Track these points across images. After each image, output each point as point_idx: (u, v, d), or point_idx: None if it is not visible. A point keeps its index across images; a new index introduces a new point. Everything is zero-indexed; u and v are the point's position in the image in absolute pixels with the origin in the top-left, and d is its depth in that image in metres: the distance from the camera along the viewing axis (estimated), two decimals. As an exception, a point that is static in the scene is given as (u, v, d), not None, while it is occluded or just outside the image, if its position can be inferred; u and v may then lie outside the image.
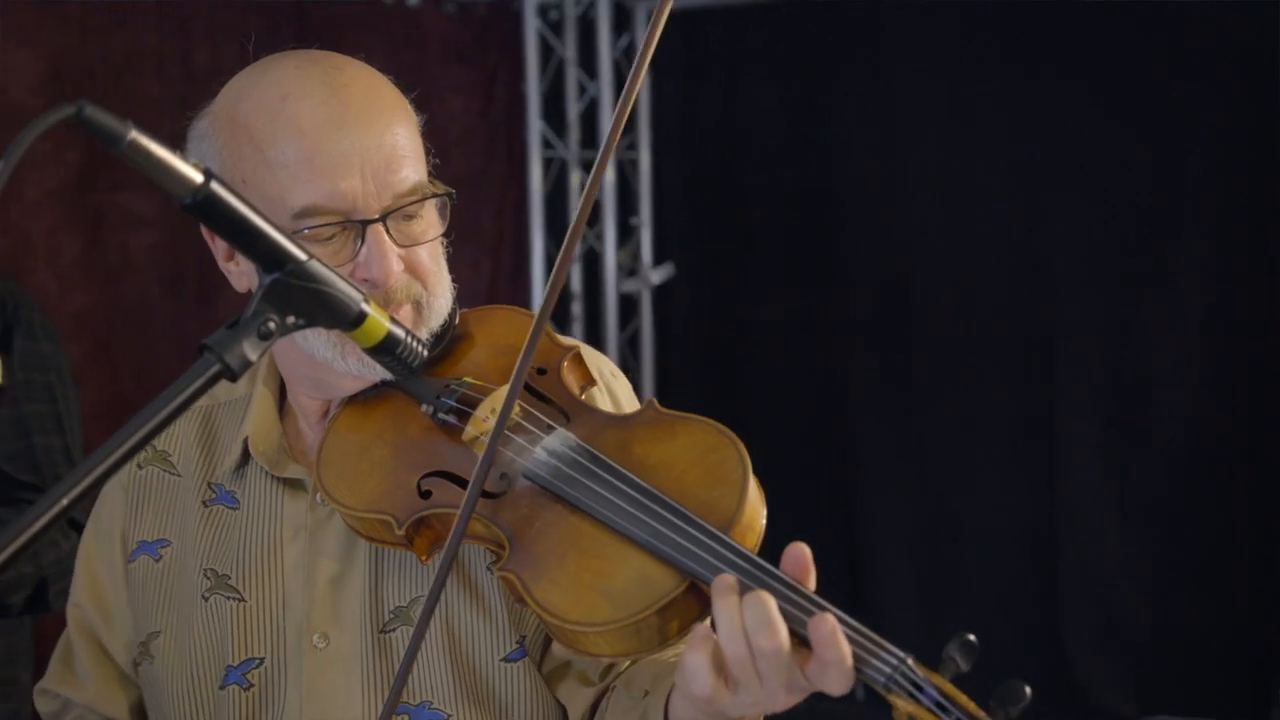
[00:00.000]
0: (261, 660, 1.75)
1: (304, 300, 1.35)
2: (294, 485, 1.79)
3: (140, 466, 1.88)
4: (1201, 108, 5.19)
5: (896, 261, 5.72)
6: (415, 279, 1.70)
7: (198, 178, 1.26)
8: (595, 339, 5.84)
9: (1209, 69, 5.16)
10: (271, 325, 1.33)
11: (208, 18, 5.03)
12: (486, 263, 5.90)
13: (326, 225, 1.64)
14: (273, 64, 1.72)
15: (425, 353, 1.49)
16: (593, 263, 5.89)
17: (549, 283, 1.52)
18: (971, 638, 1.43)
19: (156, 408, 1.29)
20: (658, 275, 5.86)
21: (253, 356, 1.31)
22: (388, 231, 1.66)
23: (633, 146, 5.92)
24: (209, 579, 1.79)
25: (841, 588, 5.78)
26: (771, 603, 1.40)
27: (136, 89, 4.88)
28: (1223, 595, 5.18)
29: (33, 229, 4.73)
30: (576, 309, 5.83)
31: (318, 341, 1.68)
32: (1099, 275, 5.43)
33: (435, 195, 1.72)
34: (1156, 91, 5.27)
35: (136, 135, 1.21)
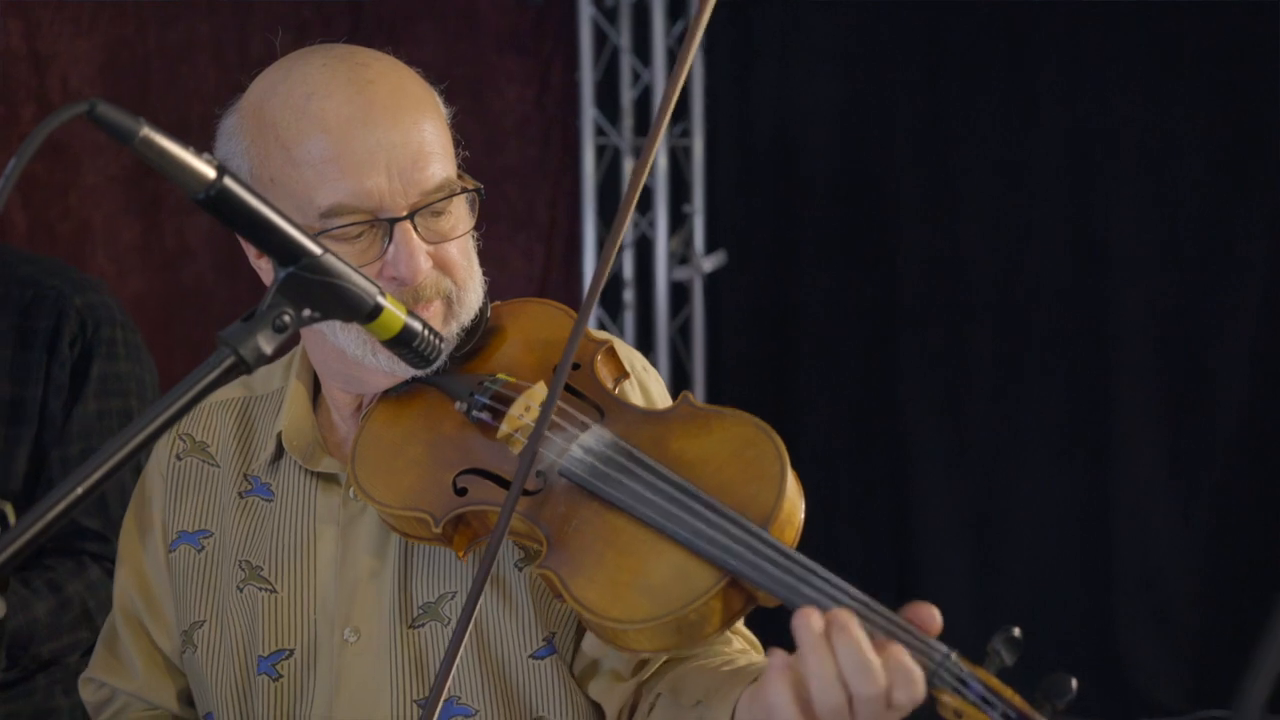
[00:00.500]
0: (291, 652, 1.76)
1: (319, 294, 1.36)
2: (327, 479, 1.80)
3: (179, 457, 1.90)
4: (1260, 89, 5.12)
5: (949, 249, 5.68)
6: (445, 275, 1.70)
7: (211, 173, 1.28)
8: (646, 327, 5.84)
9: (1269, 51, 5.08)
10: (287, 319, 1.34)
11: (264, 7, 5.09)
12: (540, 251, 5.91)
13: (353, 224, 1.64)
14: (299, 60, 1.71)
15: (443, 345, 1.50)
16: (644, 250, 5.89)
17: (592, 280, 1.52)
18: (1016, 632, 1.42)
19: (171, 399, 1.30)
20: (710, 263, 5.85)
21: (268, 350, 1.32)
22: (415, 229, 1.66)
23: (686, 134, 5.91)
24: (243, 570, 1.81)
25: (890, 574, 5.76)
26: (867, 646, 1.38)
27: (192, 78, 4.94)
28: (1275, 586, 5.11)
29: (92, 215, 4.81)
30: (628, 296, 5.83)
31: (348, 338, 1.69)
32: (1156, 259, 5.37)
33: (463, 191, 1.71)
34: (1213, 72, 5.20)
35: (149, 131, 1.22)
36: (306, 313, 1.36)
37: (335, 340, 1.70)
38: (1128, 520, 5.36)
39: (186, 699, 1.89)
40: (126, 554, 1.92)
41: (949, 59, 5.60)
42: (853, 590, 1.45)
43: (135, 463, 2.56)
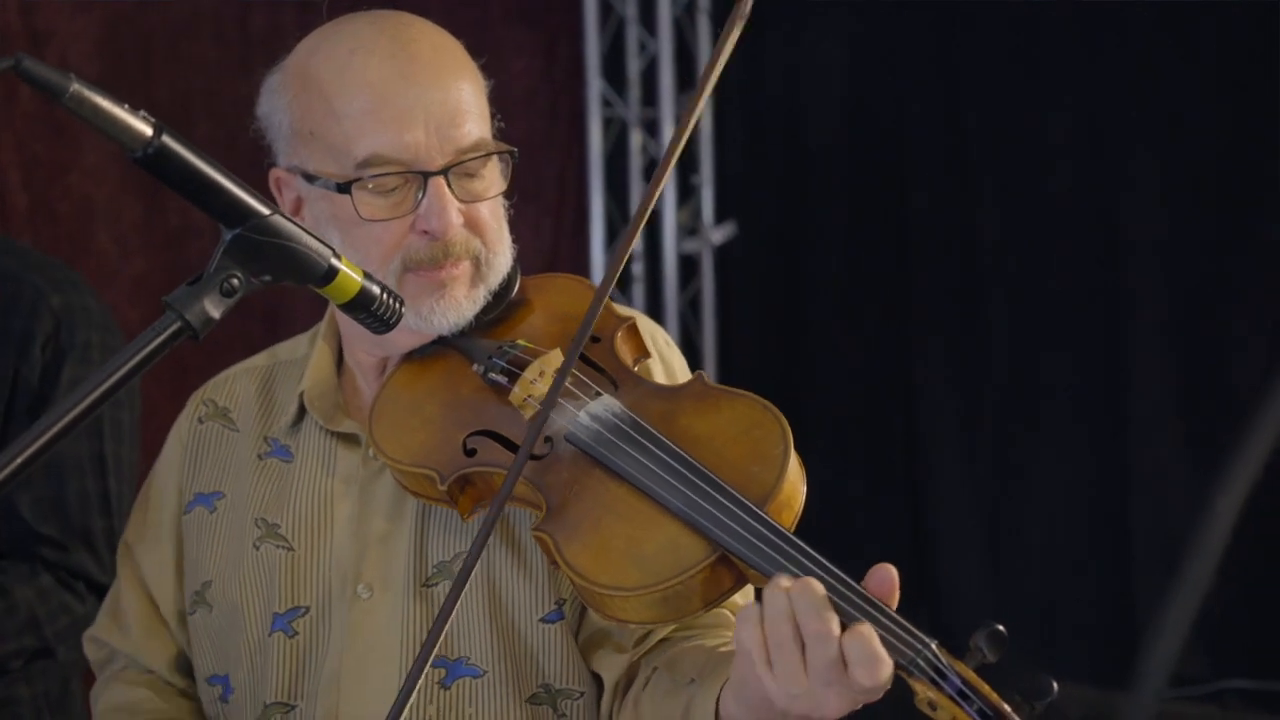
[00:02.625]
0: (307, 609, 1.78)
1: (270, 256, 1.33)
2: (348, 440, 1.83)
3: (201, 421, 1.93)
4: None
5: (963, 221, 5.62)
6: (475, 235, 1.74)
7: (148, 130, 1.24)
8: (655, 300, 5.80)
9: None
10: (235, 282, 1.32)
11: (265, -19, 5.04)
12: (549, 223, 5.87)
13: (389, 175, 1.68)
14: (346, 21, 1.78)
15: (402, 310, 1.46)
16: (653, 223, 5.84)
17: (614, 253, 1.52)
18: (1000, 628, 1.41)
19: (114, 366, 1.27)
20: (719, 235, 5.80)
21: (215, 314, 1.31)
22: (449, 185, 1.69)
23: (694, 104, 5.85)
24: (259, 528, 1.82)
25: (905, 554, 5.71)
26: (820, 589, 1.41)
27: (194, 54, 4.90)
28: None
29: (94, 194, 4.77)
30: (637, 270, 5.78)
31: None
32: (1175, 239, 5.29)
33: (498, 152, 1.75)
34: (1231, 43, 5.12)
35: (79, 87, 1.19)
36: (257, 276, 1.33)
37: None
38: (1145, 496, 5.30)
39: (179, 666, 1.90)
40: (138, 517, 1.94)
41: (961, 26, 5.52)
42: (840, 574, 1.45)
43: (100, 473, 2.47)
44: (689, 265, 5.89)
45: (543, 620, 1.73)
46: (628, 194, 5.80)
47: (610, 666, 1.73)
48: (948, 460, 5.66)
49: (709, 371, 5.84)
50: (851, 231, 5.82)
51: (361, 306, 1.42)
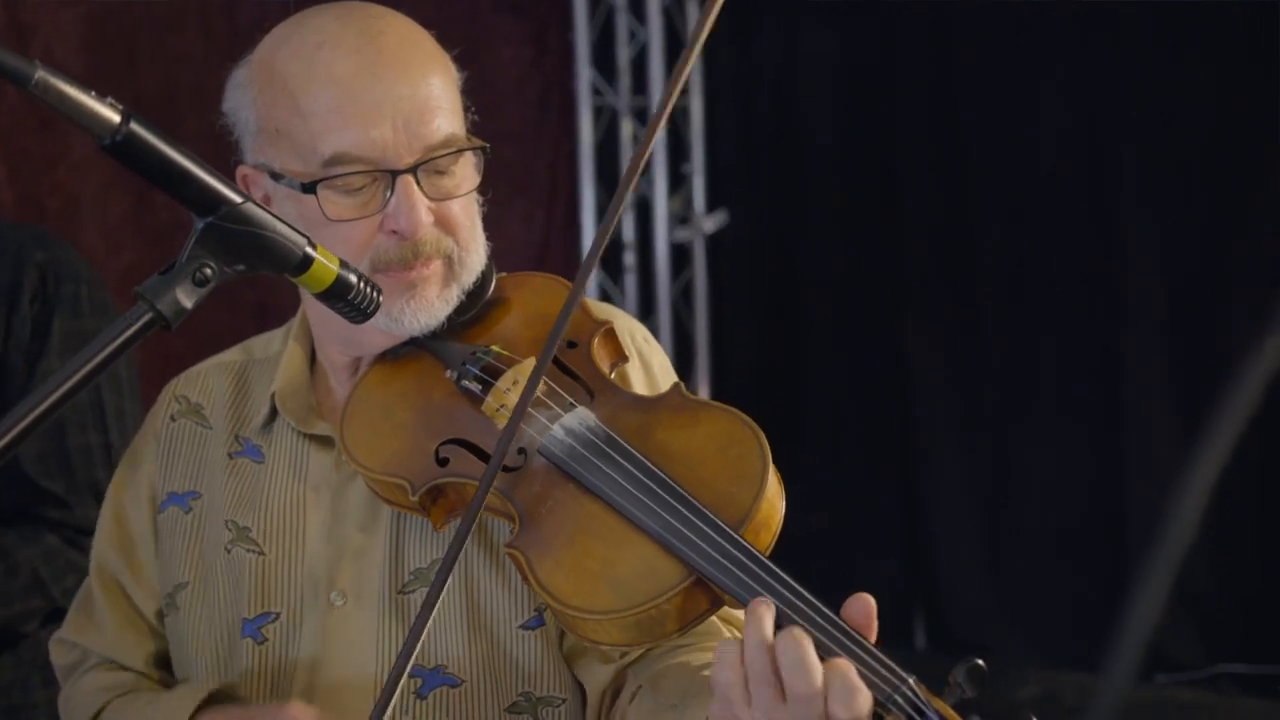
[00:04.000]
0: (277, 615, 1.74)
1: (243, 245, 1.31)
2: (320, 442, 1.78)
3: (174, 418, 1.88)
4: (1275, 52, 5.02)
5: (956, 208, 5.60)
6: (446, 234, 1.68)
7: (115, 117, 1.22)
8: (647, 289, 5.78)
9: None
10: (209, 271, 1.29)
11: (252, -28, 5.01)
12: (540, 214, 5.85)
13: (356, 174, 1.63)
14: (312, 13, 1.73)
15: (380, 299, 1.44)
16: (644, 211, 5.82)
17: (585, 256, 1.49)
18: (979, 663, 1.37)
19: (87, 357, 1.25)
20: (711, 223, 5.78)
21: (188, 304, 1.28)
22: (418, 183, 1.65)
23: (684, 92, 5.83)
24: (230, 530, 1.78)
25: (900, 542, 5.71)
26: (808, 644, 1.37)
27: (180, 46, 4.87)
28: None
29: (82, 189, 4.75)
30: (629, 259, 5.77)
31: None
32: (1167, 221, 5.28)
33: (469, 148, 1.70)
34: (1226, 35, 5.11)
35: (44, 74, 1.17)
36: (230, 265, 1.31)
37: None
38: (1141, 483, 5.29)
39: (157, 662, 1.87)
40: (109, 515, 1.90)
41: (954, 16, 5.50)
42: (817, 604, 1.42)
43: (101, 426, 2.50)
44: (681, 254, 5.87)
45: (522, 627, 1.70)
46: (618, 183, 5.77)
47: (595, 676, 1.70)
48: (943, 450, 5.65)
49: (701, 361, 5.84)
50: (844, 220, 5.80)
51: (338, 295, 1.40)
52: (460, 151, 1.69)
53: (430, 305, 1.69)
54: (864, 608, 1.41)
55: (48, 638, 2.43)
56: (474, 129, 1.75)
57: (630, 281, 5.77)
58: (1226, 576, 5.18)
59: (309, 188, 1.65)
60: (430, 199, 1.66)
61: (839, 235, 5.80)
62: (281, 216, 1.67)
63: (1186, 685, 5.14)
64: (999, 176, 5.52)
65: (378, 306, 1.43)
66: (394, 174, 1.64)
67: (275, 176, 1.69)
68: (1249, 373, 0.69)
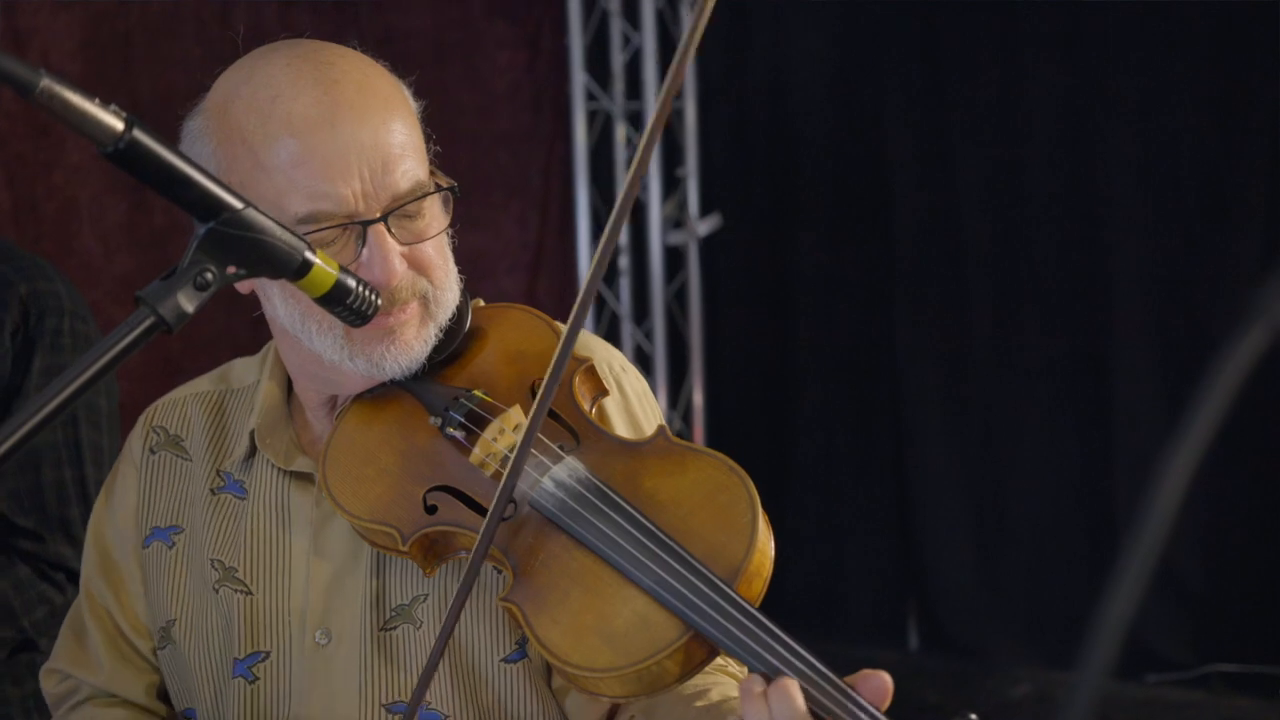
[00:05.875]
0: (267, 654, 1.74)
1: (243, 250, 1.33)
2: (301, 478, 1.78)
3: (153, 451, 1.87)
4: (1259, 46, 5.05)
5: (947, 211, 5.62)
6: (421, 275, 1.68)
7: (119, 125, 1.23)
8: (641, 292, 5.79)
9: (1268, 10, 5.00)
10: (210, 276, 1.31)
11: (246, -23, 5.03)
12: (535, 217, 5.86)
13: (327, 229, 1.62)
14: (261, 61, 1.68)
15: (379, 301, 1.45)
16: (638, 215, 5.84)
17: (579, 299, 1.49)
18: (974, 717, 1.39)
19: (88, 361, 1.27)
20: (705, 226, 5.79)
21: (189, 308, 1.29)
22: (389, 231, 1.64)
23: (678, 96, 5.85)
24: (217, 570, 1.78)
25: (893, 542, 5.72)
26: (799, 696, 1.40)
27: (175, 51, 4.89)
28: (1280, 542, 5.08)
29: (78, 193, 4.76)
30: (623, 262, 5.78)
31: (324, 343, 1.67)
32: (1154, 220, 5.30)
33: (437, 191, 1.69)
34: (1211, 28, 5.13)
35: (49, 82, 1.18)
36: (231, 270, 1.33)
37: (311, 345, 1.68)
38: (1130, 480, 5.31)
39: (156, 693, 1.86)
40: (94, 546, 1.89)
41: (944, 17, 5.52)
42: (813, 661, 1.44)
43: (76, 460, 2.44)
44: (675, 257, 5.88)
45: (504, 660, 1.69)
46: (613, 187, 5.79)
47: (584, 712, 1.70)
48: (935, 448, 5.66)
49: (695, 364, 5.86)
50: (837, 222, 5.81)
51: (337, 300, 1.41)
52: (427, 195, 1.68)
53: (410, 348, 1.68)
54: (880, 685, 1.42)
55: (15, 669, 2.43)
56: (465, 133, 1.76)
57: (624, 285, 5.78)
58: (1217, 576, 5.20)
59: None
60: (402, 244, 1.65)
61: (832, 238, 5.82)
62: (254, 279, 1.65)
63: (1177, 684, 5.15)
64: (990, 179, 5.53)
65: (376, 309, 1.45)
66: (365, 224, 1.63)
67: None
68: (1225, 366, 0.71)
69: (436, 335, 1.70)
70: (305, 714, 1.71)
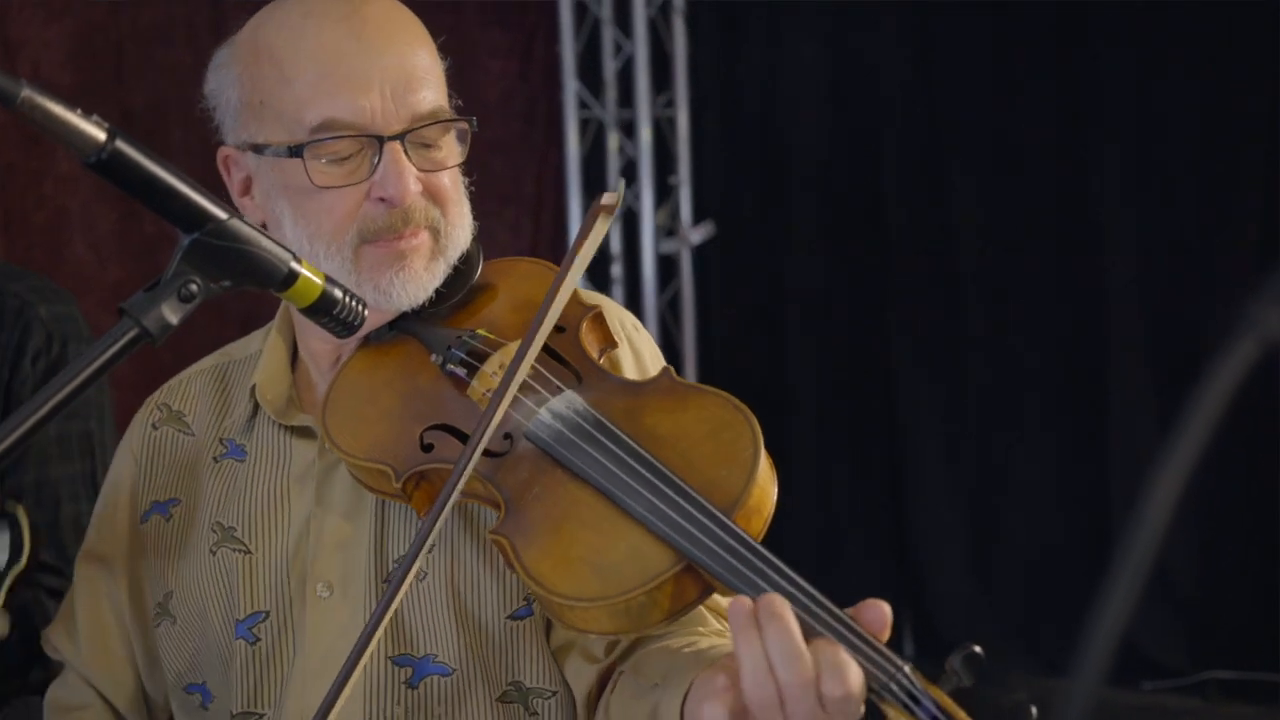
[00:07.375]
0: (268, 614, 1.72)
1: (228, 260, 1.31)
2: (302, 433, 1.76)
3: (155, 427, 1.86)
4: (1254, 61, 5.05)
5: (940, 218, 5.62)
6: (434, 204, 1.67)
7: (101, 135, 1.22)
8: (635, 301, 5.78)
9: (1265, 22, 5.01)
10: (194, 287, 1.29)
11: (237, -14, 5.02)
12: (528, 224, 5.87)
13: (343, 139, 1.62)
14: None
15: (366, 312, 1.44)
16: (631, 223, 5.83)
17: (573, 244, 1.48)
18: (977, 649, 1.34)
19: (71, 374, 1.26)
20: (697, 235, 5.79)
21: (173, 320, 1.28)
22: (406, 153, 1.64)
23: (670, 104, 5.85)
24: (215, 532, 1.77)
25: (889, 547, 5.72)
26: (796, 633, 1.33)
27: (167, 59, 4.88)
28: (1275, 549, 5.07)
29: (68, 202, 4.76)
30: (616, 270, 5.78)
31: (333, 266, 1.64)
32: (1148, 227, 5.31)
33: (455, 119, 1.68)
34: (1206, 41, 5.13)
35: (30, 93, 1.17)
36: (216, 281, 1.31)
37: (319, 269, 1.67)
38: (1125, 486, 5.31)
39: (130, 697, 1.86)
40: (89, 531, 1.89)
41: (938, 27, 5.52)
42: (809, 588, 1.38)
43: (92, 497, 2.34)
44: (668, 265, 5.88)
45: (511, 617, 1.66)
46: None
47: (581, 678, 1.67)
48: (929, 457, 5.66)
49: (689, 373, 5.84)
50: (830, 230, 5.81)
51: (323, 310, 1.40)
52: (447, 123, 1.67)
53: (418, 277, 1.67)
54: (878, 615, 1.37)
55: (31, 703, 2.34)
56: (460, 120, 1.73)
57: (617, 293, 5.77)
58: (1213, 583, 5.20)
59: (295, 151, 1.63)
60: (418, 169, 1.65)
61: (825, 246, 5.81)
62: (265, 191, 1.67)
63: (1173, 691, 5.15)
64: (983, 188, 5.54)
65: (363, 320, 1.43)
66: (381, 140, 1.63)
67: (258, 150, 1.67)
68: (1217, 376, 0.71)
69: (445, 272, 1.69)
70: (311, 670, 1.69)
